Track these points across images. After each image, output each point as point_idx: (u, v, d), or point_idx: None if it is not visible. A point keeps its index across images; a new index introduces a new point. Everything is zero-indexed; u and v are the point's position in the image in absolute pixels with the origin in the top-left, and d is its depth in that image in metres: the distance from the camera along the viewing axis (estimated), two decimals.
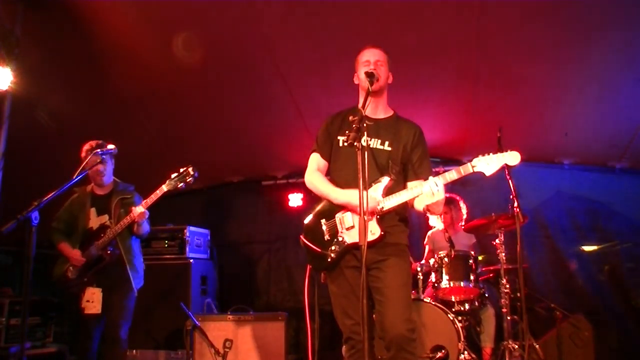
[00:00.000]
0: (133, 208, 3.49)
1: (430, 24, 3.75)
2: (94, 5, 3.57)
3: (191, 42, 3.83)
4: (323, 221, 2.64)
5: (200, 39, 3.84)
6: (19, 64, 3.52)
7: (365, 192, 2.16)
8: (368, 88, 2.49)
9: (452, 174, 2.46)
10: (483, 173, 2.44)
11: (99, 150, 3.50)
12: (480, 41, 3.81)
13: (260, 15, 3.70)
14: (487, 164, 2.43)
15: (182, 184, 3.52)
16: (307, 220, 2.71)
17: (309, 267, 2.75)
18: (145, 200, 3.52)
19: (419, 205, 2.55)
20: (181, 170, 3.54)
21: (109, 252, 3.53)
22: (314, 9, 3.64)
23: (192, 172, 3.51)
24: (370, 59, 2.66)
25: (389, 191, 2.53)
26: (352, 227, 2.54)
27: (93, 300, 3.47)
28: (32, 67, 3.70)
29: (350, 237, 2.55)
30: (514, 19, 3.63)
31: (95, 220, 3.67)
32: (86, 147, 3.60)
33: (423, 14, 3.64)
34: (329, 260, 2.57)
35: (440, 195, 2.40)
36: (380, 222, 2.50)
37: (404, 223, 2.66)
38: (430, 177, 2.42)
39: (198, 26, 3.80)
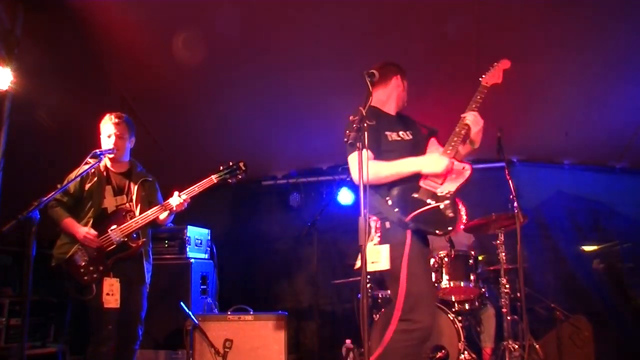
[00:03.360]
0: (173, 196, 3.18)
1: (430, 24, 3.75)
2: (94, 5, 3.57)
3: (191, 42, 3.83)
4: (414, 195, 2.66)
5: (200, 38, 3.84)
6: (19, 64, 3.52)
7: (366, 194, 2.19)
8: (368, 88, 2.51)
9: (476, 99, 2.82)
10: (497, 83, 2.88)
11: (98, 150, 3.43)
12: (480, 41, 3.81)
13: (261, 15, 3.70)
14: (492, 76, 2.87)
15: (232, 180, 3.38)
16: (394, 196, 2.65)
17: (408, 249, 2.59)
18: (189, 189, 3.26)
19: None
20: (231, 163, 3.38)
21: (139, 241, 3.20)
22: (314, 8, 3.64)
23: (243, 168, 3.36)
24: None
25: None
26: (443, 182, 2.72)
27: (113, 292, 3.08)
28: (32, 67, 3.70)
29: (446, 188, 2.72)
30: (514, 19, 3.63)
31: (110, 201, 3.26)
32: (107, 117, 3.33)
33: (423, 13, 3.64)
34: (451, 213, 2.74)
35: (481, 122, 2.74)
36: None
37: None
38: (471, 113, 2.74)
39: (198, 26, 3.79)
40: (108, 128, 3.31)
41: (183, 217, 5.59)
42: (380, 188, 2.66)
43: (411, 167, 2.66)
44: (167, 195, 3.35)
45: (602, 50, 3.79)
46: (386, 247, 2.46)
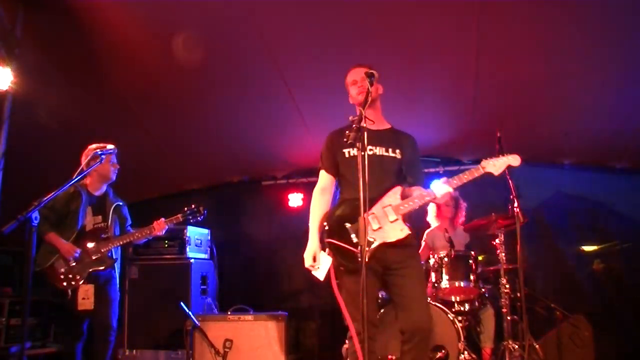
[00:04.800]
0: (156, 222, 3.76)
1: (431, 24, 3.75)
2: (94, 5, 3.57)
3: (191, 42, 3.83)
4: (347, 225, 2.72)
5: (200, 39, 3.84)
6: (19, 64, 3.52)
7: (366, 194, 2.24)
8: (368, 89, 2.51)
9: (465, 177, 2.73)
10: (492, 173, 2.79)
11: (98, 150, 3.50)
12: (480, 41, 3.81)
13: (261, 15, 3.70)
14: (494, 165, 2.79)
15: (193, 220, 3.97)
16: (329, 223, 2.79)
17: (332, 270, 2.75)
18: (169, 219, 3.83)
19: None
20: (193, 206, 3.95)
21: (112, 259, 3.72)
22: (314, 9, 3.64)
23: (202, 211, 3.96)
24: (356, 78, 2.86)
25: (404, 196, 2.75)
26: (380, 228, 2.70)
27: (88, 297, 3.57)
28: (32, 67, 3.70)
29: (379, 236, 2.68)
30: (514, 19, 3.63)
31: (89, 219, 3.73)
32: (90, 148, 3.67)
33: (423, 13, 3.64)
34: (361, 259, 2.63)
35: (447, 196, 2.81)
36: (405, 222, 2.74)
37: (410, 223, 2.85)
38: (438, 183, 2.73)
39: (198, 26, 3.79)
40: (113, 159, 3.83)
41: None
42: (340, 195, 2.90)
43: (310, 234, 2.85)
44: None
45: (603, 50, 3.79)
46: (326, 257, 2.71)
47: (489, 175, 2.78)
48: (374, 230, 2.68)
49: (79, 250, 3.60)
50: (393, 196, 2.74)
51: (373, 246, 2.64)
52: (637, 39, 3.65)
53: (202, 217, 3.97)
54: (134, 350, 4.88)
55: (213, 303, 5.24)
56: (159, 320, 4.89)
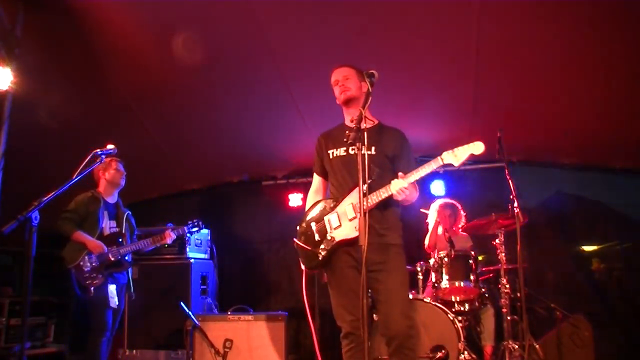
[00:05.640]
0: (167, 232, 4.18)
1: (431, 23, 3.75)
2: (94, 5, 3.57)
3: (191, 42, 3.83)
4: (313, 224, 2.84)
5: (200, 39, 3.84)
6: (19, 64, 3.52)
7: (364, 192, 2.26)
8: (368, 89, 2.52)
9: (419, 172, 2.60)
10: (452, 164, 2.63)
11: (98, 150, 3.48)
12: (480, 41, 3.81)
13: (260, 15, 3.70)
14: (455, 156, 2.61)
15: (193, 233, 4.48)
16: (300, 225, 2.92)
17: (304, 268, 2.89)
18: (174, 230, 4.26)
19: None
20: (194, 220, 4.44)
21: (128, 262, 4.07)
22: (314, 9, 3.64)
23: (201, 225, 4.45)
24: (338, 78, 2.87)
25: (371, 191, 2.64)
26: (339, 226, 2.74)
27: (114, 296, 3.88)
28: (32, 67, 3.70)
29: (338, 234, 2.72)
30: (514, 19, 3.63)
31: (106, 224, 4.02)
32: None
33: (423, 13, 3.64)
34: (320, 258, 2.77)
35: (407, 192, 2.58)
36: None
37: (396, 222, 2.80)
38: (396, 180, 2.59)
39: (198, 26, 3.80)
40: (120, 167, 4.14)
41: (183, 218, 5.62)
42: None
43: None
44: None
45: (602, 49, 3.79)
46: None
47: (449, 166, 2.63)
48: (334, 229, 2.74)
49: (106, 247, 3.87)
50: (356, 194, 2.66)
51: (328, 246, 2.71)
52: (637, 38, 3.65)
53: (199, 230, 4.46)
54: (134, 350, 4.88)
55: (213, 303, 5.24)
56: (159, 320, 4.89)
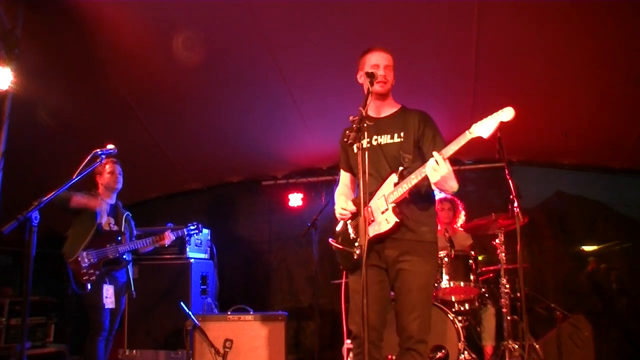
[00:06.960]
0: (166, 234, 4.22)
1: (431, 23, 3.75)
2: (94, 5, 3.57)
3: (191, 42, 3.83)
4: (349, 222, 2.74)
5: (200, 38, 3.84)
6: (19, 64, 3.52)
7: (366, 192, 2.21)
8: (368, 89, 2.49)
9: (452, 147, 2.41)
10: (481, 136, 2.43)
11: (98, 150, 3.48)
12: (480, 41, 3.81)
13: (260, 15, 3.70)
14: (484, 127, 2.43)
15: (193, 235, 4.53)
16: (339, 226, 2.83)
17: (344, 271, 2.83)
18: (173, 232, 4.32)
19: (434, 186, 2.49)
20: (195, 224, 4.48)
21: (127, 260, 4.07)
22: (314, 8, 3.64)
23: (200, 228, 4.50)
24: (380, 63, 2.68)
25: (402, 180, 2.51)
26: (373, 221, 2.57)
27: (109, 296, 3.88)
28: (32, 67, 3.70)
29: (372, 230, 2.55)
30: (514, 19, 3.63)
31: (106, 220, 4.04)
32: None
33: (423, 12, 3.64)
34: (355, 257, 2.62)
35: (443, 170, 2.34)
36: (396, 211, 2.50)
37: (429, 217, 2.64)
38: (430, 159, 2.38)
39: (198, 26, 3.79)
40: (118, 169, 4.15)
41: (183, 218, 5.63)
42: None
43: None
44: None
45: (603, 49, 3.79)
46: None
47: (479, 139, 2.43)
48: (368, 225, 2.56)
49: (105, 200, 3.99)
50: (388, 185, 2.55)
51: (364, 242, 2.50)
52: (637, 38, 3.65)
53: (199, 233, 4.53)
54: (134, 350, 4.88)
55: (213, 303, 5.24)
56: (159, 320, 4.89)
